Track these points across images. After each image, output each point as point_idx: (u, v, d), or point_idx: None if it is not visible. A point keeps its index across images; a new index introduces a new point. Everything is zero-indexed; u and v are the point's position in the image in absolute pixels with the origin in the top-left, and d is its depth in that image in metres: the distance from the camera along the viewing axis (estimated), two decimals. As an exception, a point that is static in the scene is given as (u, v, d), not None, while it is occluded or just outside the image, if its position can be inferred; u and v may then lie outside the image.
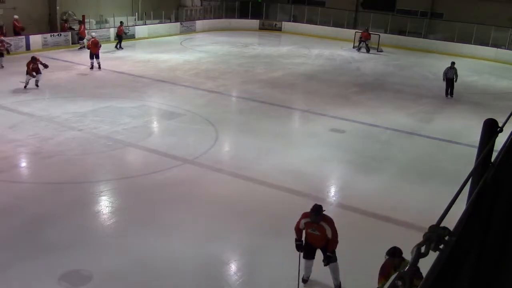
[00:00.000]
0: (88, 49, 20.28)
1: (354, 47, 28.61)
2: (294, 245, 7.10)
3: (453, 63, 18.68)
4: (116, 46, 24.27)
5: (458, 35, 28.91)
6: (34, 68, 16.16)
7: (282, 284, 7.17)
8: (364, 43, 28.09)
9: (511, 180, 2.48)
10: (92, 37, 20.62)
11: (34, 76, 16.19)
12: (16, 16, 22.22)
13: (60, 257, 7.32)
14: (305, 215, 6.87)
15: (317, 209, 6.70)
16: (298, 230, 6.98)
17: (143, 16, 29.63)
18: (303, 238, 6.99)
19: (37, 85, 16.34)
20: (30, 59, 16.42)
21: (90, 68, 19.72)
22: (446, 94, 18.54)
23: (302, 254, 7.01)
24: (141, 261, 7.36)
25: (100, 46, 20.01)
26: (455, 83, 18.47)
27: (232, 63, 22.66)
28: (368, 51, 27.89)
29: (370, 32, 28.34)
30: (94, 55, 19.74)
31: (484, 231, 2.09)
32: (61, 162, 10.83)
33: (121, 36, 24.68)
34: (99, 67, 19.77)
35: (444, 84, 18.70)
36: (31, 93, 15.85)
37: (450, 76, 18.41)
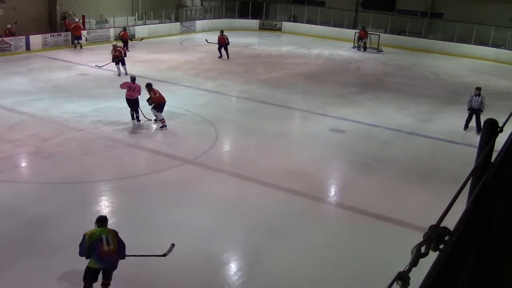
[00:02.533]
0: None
1: (353, 47, 28.67)
2: (294, 245, 7.09)
3: (479, 89, 14.45)
4: (225, 56, 23.12)
5: (458, 35, 28.92)
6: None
7: (282, 284, 7.17)
8: (362, 41, 28.18)
9: (511, 180, 2.48)
10: (75, 22, 24.32)
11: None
12: (9, 25, 22.13)
13: (60, 257, 7.31)
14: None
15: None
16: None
17: (143, 16, 29.63)
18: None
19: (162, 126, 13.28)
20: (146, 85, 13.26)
21: (74, 47, 23.82)
22: (466, 126, 14.43)
23: None
24: (140, 261, 7.35)
25: (81, 29, 23.99)
26: (481, 113, 14.21)
27: (232, 63, 22.65)
28: (365, 49, 27.97)
29: (368, 31, 28.44)
30: (77, 37, 23.75)
31: (484, 231, 2.09)
32: (61, 162, 10.82)
33: (225, 45, 23.15)
34: (81, 47, 23.78)
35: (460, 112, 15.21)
36: (31, 93, 15.84)
37: (475, 106, 14.22)
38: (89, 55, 22.36)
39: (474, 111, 14.30)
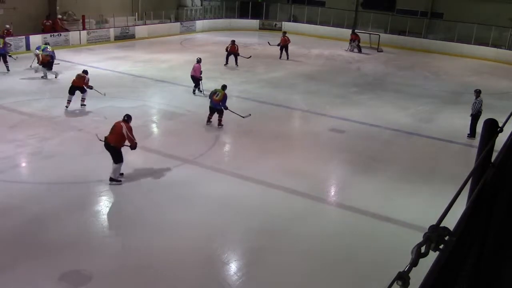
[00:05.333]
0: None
1: (346, 49, 28.63)
2: (294, 245, 7.10)
3: (479, 92, 13.91)
4: (284, 57, 23.33)
5: (458, 35, 28.94)
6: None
7: (282, 284, 7.17)
8: (354, 43, 28.19)
9: (511, 180, 2.48)
10: (58, 17, 24.10)
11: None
12: (7, 26, 22.07)
13: (60, 257, 7.31)
14: None
15: None
16: None
17: (143, 16, 29.64)
18: None
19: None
20: None
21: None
22: (474, 134, 13.61)
23: None
24: (141, 261, 7.36)
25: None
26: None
27: (232, 63, 22.63)
28: (359, 51, 27.95)
29: (357, 33, 28.52)
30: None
31: (484, 231, 2.09)
32: (61, 162, 10.82)
33: (286, 47, 23.98)
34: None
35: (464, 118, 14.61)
36: (31, 93, 15.84)
37: (482, 109, 13.72)
38: (89, 55, 22.36)
39: (480, 115, 13.56)
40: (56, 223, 8.28)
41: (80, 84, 14.45)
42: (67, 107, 14.25)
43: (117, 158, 9.67)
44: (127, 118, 10.07)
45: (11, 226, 8.12)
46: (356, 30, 29.55)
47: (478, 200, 1.83)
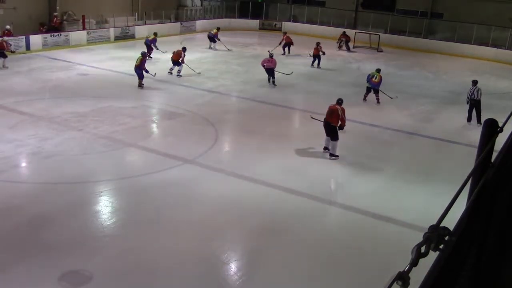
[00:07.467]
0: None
1: (351, 48, 28.69)
2: (294, 245, 7.11)
3: (476, 82, 15.31)
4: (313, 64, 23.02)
5: (458, 35, 28.93)
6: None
7: (282, 284, 7.17)
8: (341, 42, 28.52)
9: (511, 180, 2.48)
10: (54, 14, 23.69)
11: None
12: (8, 27, 22.02)
13: (60, 257, 7.31)
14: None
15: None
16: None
17: (143, 16, 29.63)
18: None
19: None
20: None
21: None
22: (470, 118, 15.12)
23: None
24: (141, 261, 7.36)
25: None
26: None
27: (232, 63, 22.64)
28: (339, 48, 28.50)
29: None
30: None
31: (484, 231, 2.09)
32: (61, 162, 10.82)
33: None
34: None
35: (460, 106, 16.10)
36: (31, 93, 15.85)
37: (477, 97, 14.86)
38: (89, 55, 22.36)
39: (477, 102, 14.87)
40: (56, 223, 8.28)
41: (177, 59, 18.88)
42: (173, 73, 19.10)
43: (336, 136, 11.55)
44: (341, 102, 11.84)
45: (11, 226, 8.12)
46: (356, 31, 29.60)
47: (478, 200, 1.82)
